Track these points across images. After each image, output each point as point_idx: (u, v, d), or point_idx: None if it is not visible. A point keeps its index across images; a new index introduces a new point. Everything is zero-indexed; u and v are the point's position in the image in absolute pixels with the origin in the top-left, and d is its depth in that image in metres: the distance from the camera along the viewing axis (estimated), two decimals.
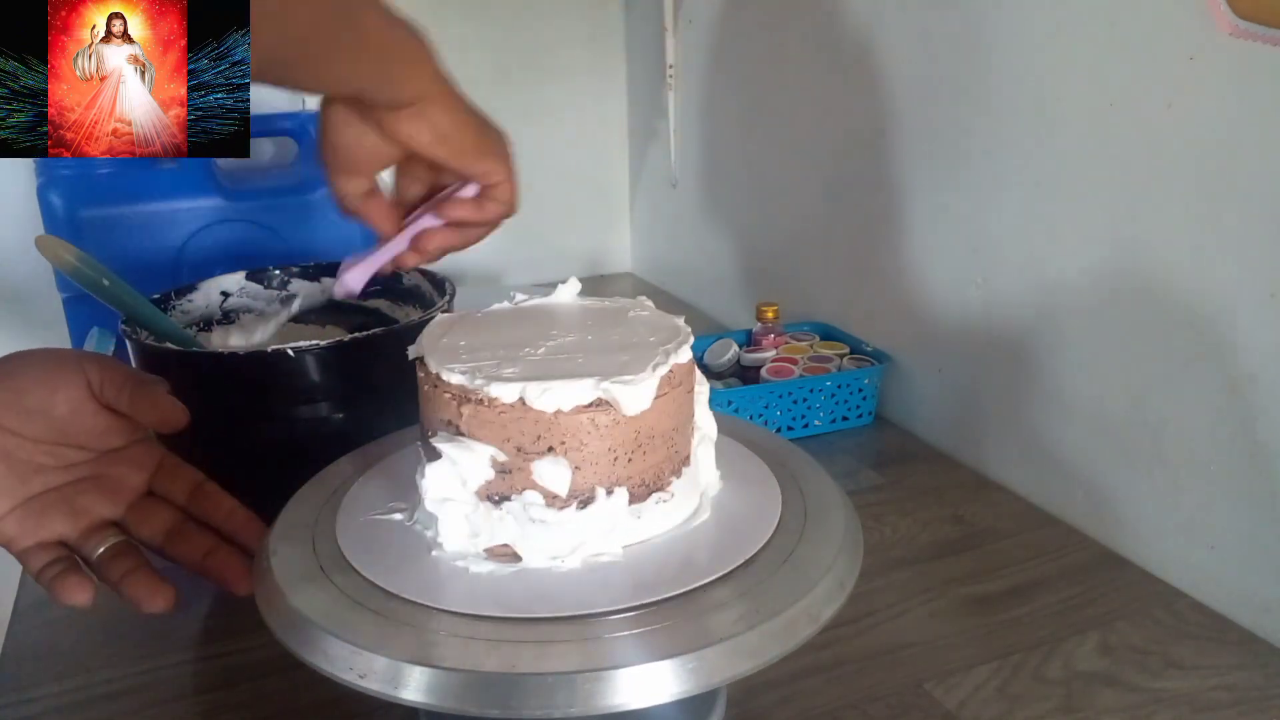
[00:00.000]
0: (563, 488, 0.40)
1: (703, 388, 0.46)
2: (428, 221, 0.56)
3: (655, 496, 0.43)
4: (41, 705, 0.52)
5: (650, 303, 0.49)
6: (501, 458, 0.40)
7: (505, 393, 0.40)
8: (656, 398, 0.41)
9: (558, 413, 0.39)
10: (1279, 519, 0.55)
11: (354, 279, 0.57)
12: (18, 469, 0.46)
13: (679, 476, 0.44)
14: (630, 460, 0.41)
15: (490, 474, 0.41)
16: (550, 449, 0.40)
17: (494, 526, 0.41)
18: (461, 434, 0.41)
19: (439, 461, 0.41)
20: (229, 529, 0.50)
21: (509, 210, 0.56)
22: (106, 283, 0.60)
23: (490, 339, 0.45)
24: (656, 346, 0.43)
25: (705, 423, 0.46)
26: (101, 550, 0.48)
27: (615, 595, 0.39)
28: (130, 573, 0.47)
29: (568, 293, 0.50)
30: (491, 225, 0.57)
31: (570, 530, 0.41)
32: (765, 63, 0.98)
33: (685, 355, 0.44)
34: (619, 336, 0.45)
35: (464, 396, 0.41)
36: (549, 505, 0.41)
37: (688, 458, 0.44)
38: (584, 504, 0.41)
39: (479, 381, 0.40)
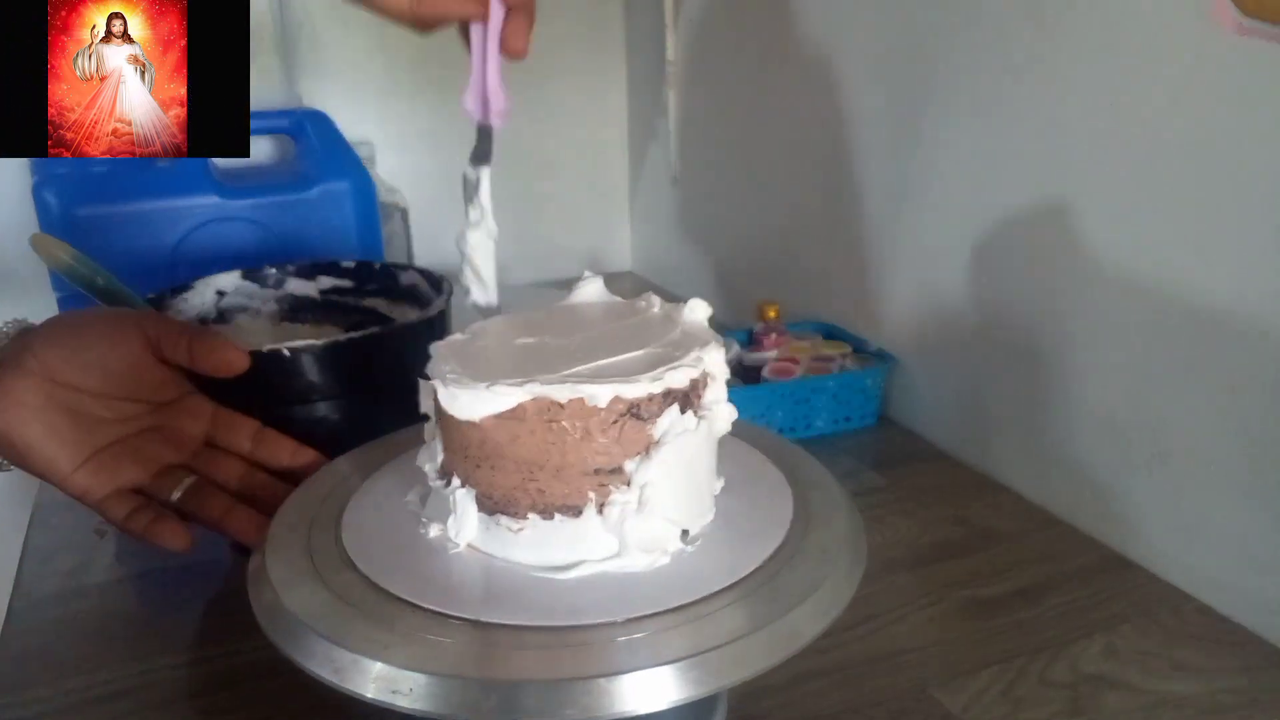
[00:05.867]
0: (434, 461, 0.43)
1: (666, 455, 0.40)
2: None
3: (501, 518, 0.41)
4: (40, 706, 0.51)
5: (711, 353, 0.42)
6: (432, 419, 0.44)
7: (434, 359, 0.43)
8: (502, 417, 0.39)
9: (435, 389, 0.41)
10: None
11: (496, 97, 0.50)
12: (84, 423, 0.48)
13: (547, 518, 0.40)
14: (478, 467, 0.41)
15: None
16: (439, 421, 0.43)
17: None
18: None
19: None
20: (297, 468, 0.52)
21: None
22: (100, 281, 0.60)
23: (539, 324, 0.46)
24: (562, 369, 0.40)
25: (648, 490, 0.40)
26: (179, 492, 0.50)
27: (617, 596, 0.39)
28: (230, 510, 0.49)
29: (692, 309, 0.47)
30: None
31: (437, 504, 0.43)
32: (766, 61, 0.97)
33: (598, 396, 0.38)
34: (582, 350, 0.42)
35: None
36: (437, 474, 0.44)
37: (578, 510, 0.40)
38: (448, 484, 0.43)
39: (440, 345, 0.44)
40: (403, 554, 0.42)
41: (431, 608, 0.38)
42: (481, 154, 0.51)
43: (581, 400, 0.39)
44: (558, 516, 0.40)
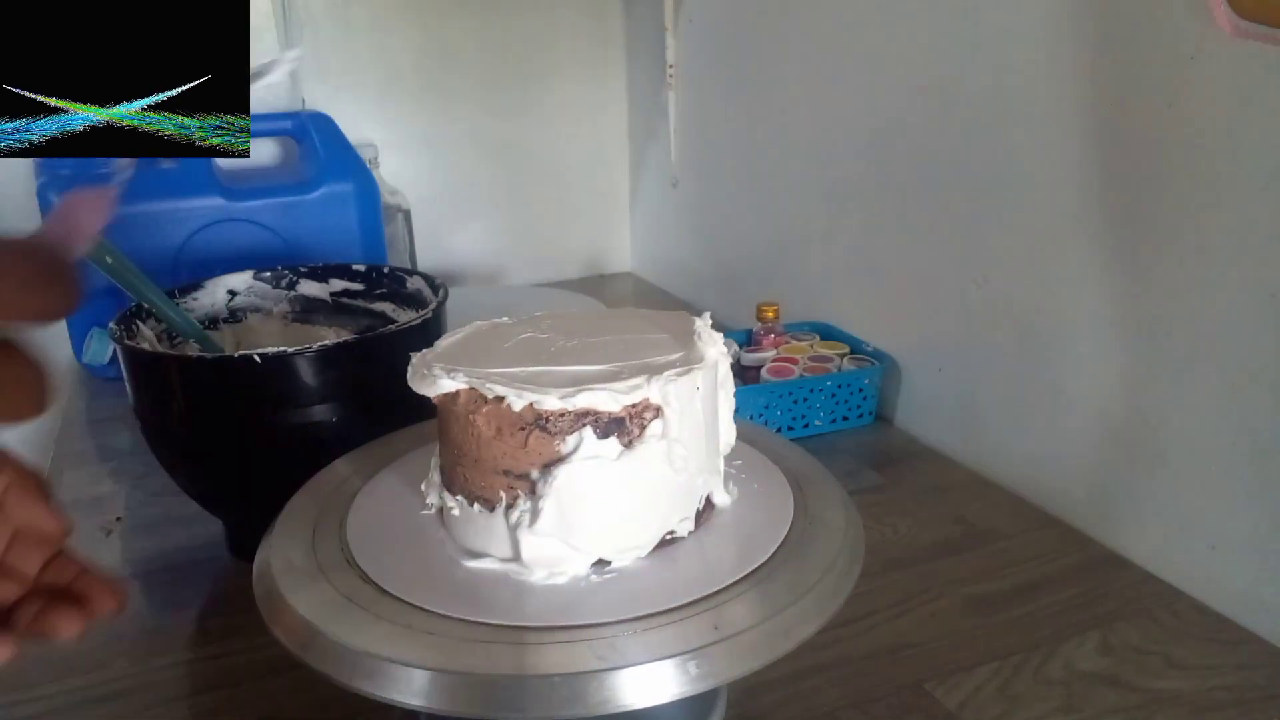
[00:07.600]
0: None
1: (571, 475, 0.39)
2: None
3: (445, 492, 0.44)
4: (41, 705, 0.52)
5: (659, 385, 0.40)
6: None
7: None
8: (443, 400, 0.42)
9: None
10: (1279, 518, 0.55)
11: None
12: None
13: (469, 504, 0.42)
14: (437, 440, 0.44)
15: None
16: None
17: None
18: None
19: None
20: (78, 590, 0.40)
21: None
22: (110, 260, 0.60)
23: (558, 324, 0.47)
24: (516, 368, 0.41)
25: (543, 504, 0.39)
26: None
27: (621, 591, 0.39)
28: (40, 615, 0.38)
29: (697, 332, 0.45)
30: None
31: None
32: (765, 62, 0.98)
33: (514, 401, 0.39)
34: (560, 354, 0.43)
35: None
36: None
37: (492, 505, 0.41)
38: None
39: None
40: (406, 553, 0.43)
41: (436, 609, 0.39)
42: None
43: (500, 400, 0.39)
44: (476, 505, 0.42)
